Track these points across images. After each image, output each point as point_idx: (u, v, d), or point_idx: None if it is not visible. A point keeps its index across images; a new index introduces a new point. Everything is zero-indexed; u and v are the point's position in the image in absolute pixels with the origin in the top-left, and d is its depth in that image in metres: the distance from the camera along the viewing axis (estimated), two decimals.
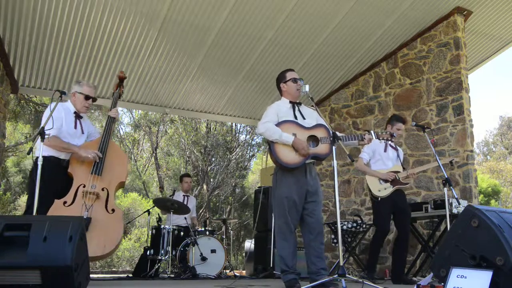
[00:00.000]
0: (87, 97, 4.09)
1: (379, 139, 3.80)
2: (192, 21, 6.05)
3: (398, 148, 5.21)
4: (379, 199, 4.84)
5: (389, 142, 4.98)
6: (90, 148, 3.98)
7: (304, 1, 5.89)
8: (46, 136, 3.46)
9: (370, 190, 4.95)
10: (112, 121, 4.23)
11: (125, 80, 4.61)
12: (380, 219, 4.92)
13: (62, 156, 3.89)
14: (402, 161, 5.14)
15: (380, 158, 5.01)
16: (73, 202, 3.76)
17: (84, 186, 3.82)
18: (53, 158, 3.82)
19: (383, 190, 4.86)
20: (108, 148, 4.04)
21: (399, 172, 4.93)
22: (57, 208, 3.67)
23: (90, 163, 3.91)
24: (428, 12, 6.36)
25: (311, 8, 6.03)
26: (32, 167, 3.89)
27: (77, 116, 4.08)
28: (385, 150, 5.02)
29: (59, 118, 3.84)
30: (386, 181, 4.87)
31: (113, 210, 3.88)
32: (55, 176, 3.78)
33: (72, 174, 3.88)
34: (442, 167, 4.71)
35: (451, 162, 5.03)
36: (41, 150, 3.44)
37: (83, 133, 4.10)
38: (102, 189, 3.90)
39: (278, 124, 3.61)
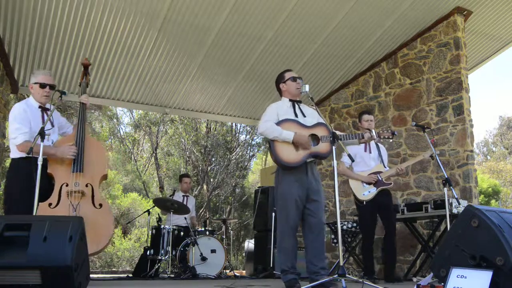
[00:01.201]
0: (42, 85, 3.81)
1: (379, 138, 3.79)
2: (192, 21, 6.05)
3: (381, 146, 5.18)
4: (364, 203, 4.85)
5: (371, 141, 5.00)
6: (66, 143, 3.82)
7: (304, 1, 5.89)
8: (46, 136, 3.44)
9: (354, 195, 4.97)
10: (84, 108, 4.03)
11: (90, 67, 4.37)
12: (364, 224, 4.97)
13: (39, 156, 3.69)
14: (385, 158, 5.13)
15: (362, 160, 4.99)
16: (58, 203, 3.66)
17: (67, 185, 3.71)
18: (30, 159, 3.57)
19: (367, 194, 4.87)
20: (85, 141, 3.88)
21: (381, 172, 4.93)
22: (43, 211, 3.56)
23: (70, 161, 3.76)
24: (428, 12, 6.36)
25: (311, 8, 6.03)
26: (9, 167, 3.74)
27: (43, 109, 3.86)
28: (365, 150, 5.01)
29: (25, 119, 3.66)
30: (369, 183, 4.88)
31: (100, 205, 3.80)
32: (33, 177, 3.53)
33: (53, 174, 3.75)
34: (442, 167, 4.71)
35: (431, 156, 4.96)
36: (41, 150, 3.40)
37: (53, 126, 3.87)
38: (86, 185, 3.78)
39: (279, 123, 3.60)
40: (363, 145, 4.94)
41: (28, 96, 4.11)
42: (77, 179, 3.75)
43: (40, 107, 3.84)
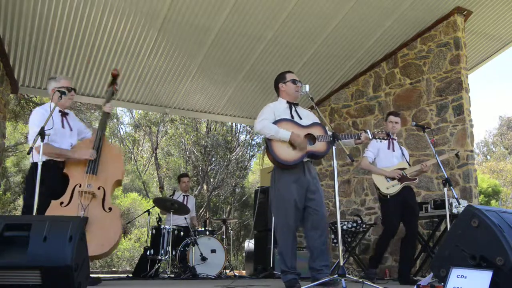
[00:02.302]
0: (68, 90, 3.97)
1: (375, 138, 3.79)
2: (192, 21, 6.05)
3: (403, 148, 5.19)
4: (389, 196, 4.76)
5: (393, 139, 4.99)
6: (84, 147, 3.94)
7: (304, 1, 5.89)
8: (46, 136, 3.46)
9: (378, 189, 4.87)
10: (106, 116, 4.20)
11: (119, 78, 4.51)
12: (388, 218, 4.82)
13: (58, 158, 3.85)
14: (408, 158, 5.09)
15: (385, 156, 4.95)
16: (69, 202, 3.74)
17: (80, 186, 3.80)
18: (51, 161, 3.78)
19: (391, 188, 4.77)
20: (103, 146, 3.99)
21: (405, 168, 4.87)
22: (54, 209, 3.66)
23: (85, 163, 3.87)
24: (428, 12, 6.36)
25: (311, 8, 6.03)
26: (29, 170, 3.86)
27: (63, 114, 4.00)
28: (388, 148, 4.96)
29: (43, 122, 3.71)
30: (393, 178, 4.82)
31: (110, 209, 3.85)
32: (53, 178, 3.75)
33: (68, 175, 3.85)
34: (442, 167, 4.71)
35: (457, 154, 4.97)
36: (41, 150, 3.43)
37: (72, 130, 4.02)
38: (98, 188, 3.87)
39: (275, 123, 3.60)
40: (386, 142, 4.88)
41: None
42: (90, 181, 3.83)
43: (60, 111, 3.97)
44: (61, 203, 3.73)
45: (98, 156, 3.93)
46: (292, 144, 3.55)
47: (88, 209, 3.72)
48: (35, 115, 3.85)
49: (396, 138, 5.09)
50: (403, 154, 5.04)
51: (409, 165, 4.98)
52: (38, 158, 3.54)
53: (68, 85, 4.02)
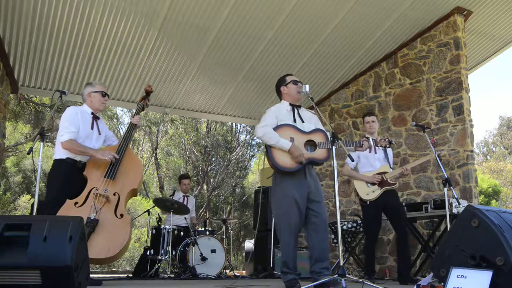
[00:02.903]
0: (103, 94, 4.21)
1: (377, 146, 3.80)
2: (192, 21, 6.05)
3: (387, 148, 5.14)
4: (368, 202, 4.82)
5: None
6: (111, 151, 4.03)
7: (304, 1, 5.89)
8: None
9: (358, 195, 4.94)
10: (133, 127, 4.35)
11: (152, 94, 4.79)
12: (367, 224, 4.94)
13: (78, 158, 3.93)
14: (391, 159, 5.10)
15: (366, 160, 4.96)
16: (84, 203, 3.79)
17: (96, 189, 3.86)
18: (69, 159, 3.88)
19: (371, 193, 4.83)
20: (125, 155, 4.09)
21: (386, 172, 4.90)
22: (68, 208, 3.71)
23: (105, 168, 3.95)
24: (428, 12, 6.36)
25: (311, 8, 6.03)
26: (52, 166, 3.96)
27: (94, 117, 4.16)
28: (370, 151, 4.94)
29: (75, 121, 3.93)
30: (373, 183, 4.85)
31: (121, 215, 3.89)
32: (71, 177, 3.85)
33: (87, 177, 3.92)
34: (442, 167, 4.71)
35: (438, 156, 4.93)
36: (41, 150, 3.47)
37: (100, 134, 4.17)
38: (114, 194, 3.92)
39: (277, 128, 3.61)
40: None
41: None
42: (107, 186, 3.90)
43: (92, 113, 4.13)
44: (76, 203, 3.78)
45: (119, 163, 4.00)
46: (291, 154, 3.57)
47: (100, 212, 3.76)
48: (70, 113, 3.99)
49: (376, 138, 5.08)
50: (386, 155, 5.03)
51: (390, 167, 4.98)
52: (62, 155, 3.78)
53: (103, 89, 4.23)
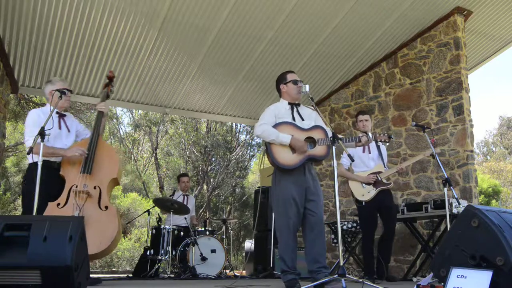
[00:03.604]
0: (64, 92, 3.98)
1: (376, 141, 3.79)
2: (192, 21, 6.05)
3: (381, 145, 5.11)
4: (363, 203, 4.82)
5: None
6: (79, 147, 3.95)
7: (304, 1, 5.89)
8: (46, 136, 3.48)
9: (353, 196, 4.94)
10: (101, 115, 4.17)
11: (114, 80, 4.55)
12: (363, 224, 4.95)
13: (52, 159, 3.88)
14: (385, 158, 5.09)
15: (360, 160, 4.95)
16: (66, 203, 3.77)
17: (76, 187, 3.81)
18: (44, 161, 3.71)
19: (366, 194, 4.84)
20: (97, 146, 4.00)
21: (381, 172, 4.89)
22: (51, 211, 3.69)
23: (80, 164, 3.89)
24: (428, 12, 6.36)
25: (311, 8, 6.03)
26: (27, 171, 3.89)
27: (60, 115, 4.04)
28: (363, 151, 4.95)
29: (37, 123, 3.78)
30: (368, 183, 4.85)
31: (106, 207, 3.85)
32: (48, 179, 3.74)
33: (64, 176, 3.88)
34: (442, 167, 4.71)
35: (432, 155, 4.92)
36: (41, 150, 3.45)
37: (69, 131, 4.06)
38: (94, 188, 3.88)
39: (275, 126, 3.61)
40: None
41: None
42: (85, 181, 3.85)
43: (57, 112, 4.00)
44: (58, 204, 3.76)
45: (93, 155, 3.93)
46: (292, 147, 3.55)
47: (83, 208, 3.73)
48: (31, 116, 3.91)
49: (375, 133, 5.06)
50: (380, 155, 5.02)
51: (384, 166, 4.97)
52: (37, 158, 3.58)
53: (64, 87, 4.03)
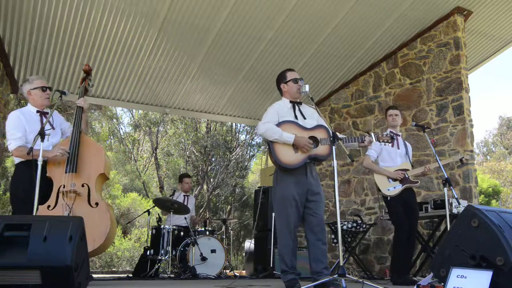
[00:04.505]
0: (43, 89, 3.92)
1: (379, 142, 3.77)
2: (192, 21, 6.05)
3: (408, 144, 5.05)
4: (389, 198, 4.71)
5: (397, 135, 4.91)
6: (62, 145, 3.87)
7: (304, 1, 5.89)
8: (46, 137, 3.47)
9: (379, 189, 4.79)
10: (81, 111, 4.04)
11: (91, 73, 4.38)
12: (395, 217, 4.73)
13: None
14: (411, 158, 5.00)
15: (388, 155, 4.84)
16: (56, 204, 3.73)
17: (64, 187, 3.76)
18: (29, 162, 3.63)
19: (392, 189, 4.71)
20: (81, 143, 3.91)
21: (407, 170, 4.79)
22: (43, 213, 3.64)
23: (65, 163, 3.80)
24: (428, 12, 6.36)
25: (311, 8, 6.03)
26: (14, 174, 3.82)
27: (42, 114, 3.92)
28: (392, 145, 4.81)
29: (18, 125, 3.73)
30: (395, 179, 4.75)
31: (96, 204, 3.80)
32: (35, 180, 3.59)
33: (52, 178, 3.82)
34: (442, 167, 4.70)
35: (461, 160, 4.88)
36: (41, 150, 3.43)
37: (53, 128, 3.92)
38: (82, 185, 3.82)
39: (278, 125, 3.60)
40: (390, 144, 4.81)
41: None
42: (72, 180, 3.79)
43: (38, 111, 3.89)
44: (48, 206, 3.72)
45: (76, 154, 3.84)
46: (295, 146, 3.55)
47: (73, 208, 3.69)
48: (12, 119, 3.79)
49: (400, 133, 4.98)
50: (407, 152, 4.94)
51: (412, 165, 4.91)
52: (18, 160, 3.62)
53: (43, 84, 3.94)
